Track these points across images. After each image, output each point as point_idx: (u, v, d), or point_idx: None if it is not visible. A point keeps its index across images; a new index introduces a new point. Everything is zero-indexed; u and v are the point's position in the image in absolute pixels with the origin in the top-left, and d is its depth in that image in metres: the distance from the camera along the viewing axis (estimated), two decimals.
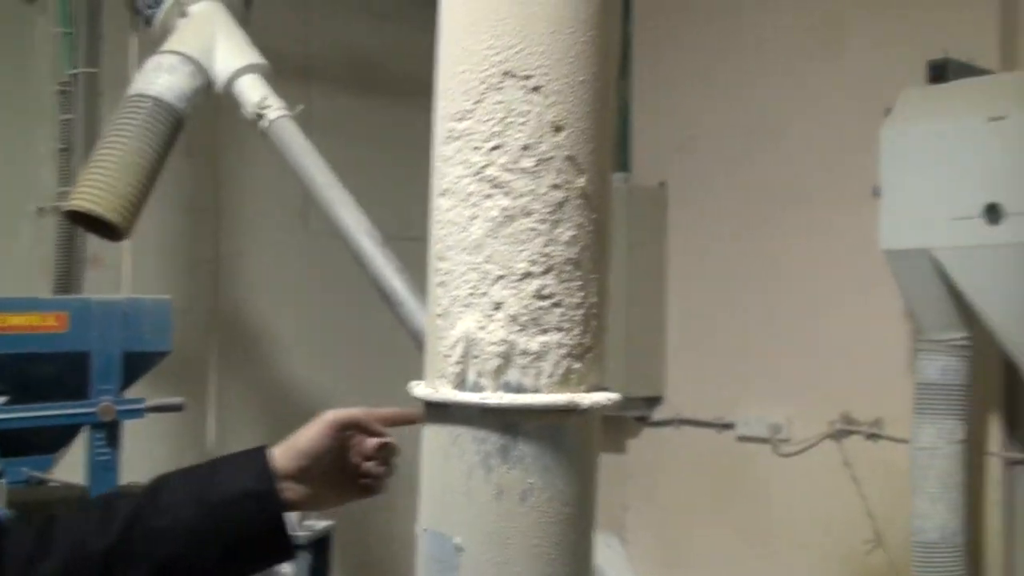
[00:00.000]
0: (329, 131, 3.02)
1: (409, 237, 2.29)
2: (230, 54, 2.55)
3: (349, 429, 1.25)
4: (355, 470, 1.26)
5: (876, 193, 3.04)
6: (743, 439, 3.88)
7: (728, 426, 3.91)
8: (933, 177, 2.94)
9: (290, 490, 1.20)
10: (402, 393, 1.11)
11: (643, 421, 4.02)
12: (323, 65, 3.80)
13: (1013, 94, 2.90)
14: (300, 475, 1.21)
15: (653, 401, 4.02)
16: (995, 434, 3.38)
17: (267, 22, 2.88)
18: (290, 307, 3.70)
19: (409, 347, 1.93)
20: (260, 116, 2.49)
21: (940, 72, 3.10)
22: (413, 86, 2.27)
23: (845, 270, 3.64)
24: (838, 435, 3.64)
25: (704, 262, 3.98)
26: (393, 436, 1.27)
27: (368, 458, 1.26)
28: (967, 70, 3.12)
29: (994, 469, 3.36)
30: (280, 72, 2.63)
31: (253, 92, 2.51)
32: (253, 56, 2.57)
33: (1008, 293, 2.85)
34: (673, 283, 4.03)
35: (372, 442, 1.26)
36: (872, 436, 3.59)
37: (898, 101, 3.06)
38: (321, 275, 3.70)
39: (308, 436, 1.22)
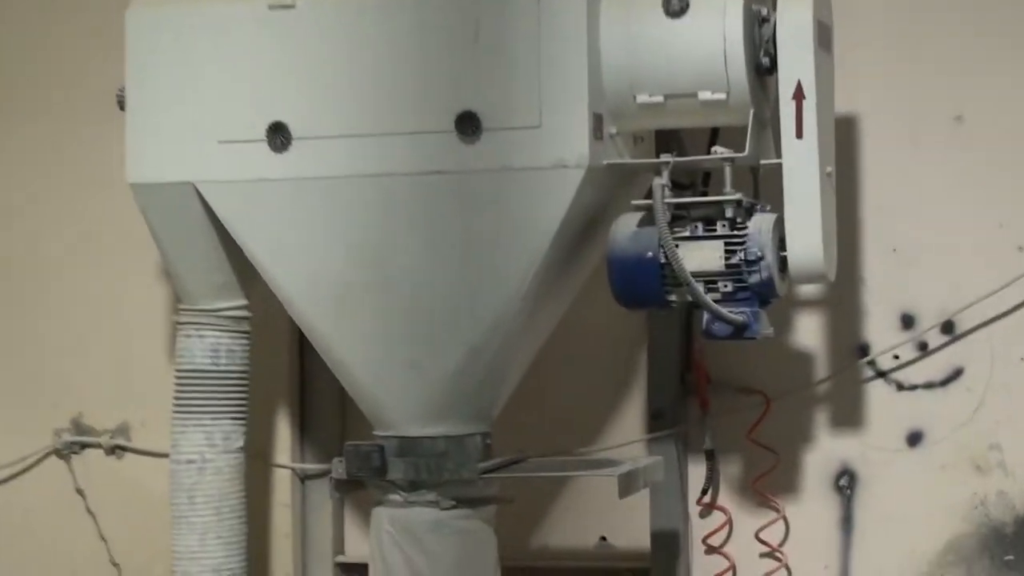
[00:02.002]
0: None
1: None
2: None
3: None
4: None
5: (121, 104, 3.24)
6: None
7: None
8: (197, 85, 3.18)
9: None
10: None
11: None
12: None
13: None
14: None
15: None
16: (284, 439, 3.81)
17: None
18: None
19: None
20: None
21: None
22: None
23: (77, 213, 3.89)
24: (67, 450, 3.87)
25: None
26: None
27: None
28: None
29: (284, 487, 3.80)
30: None
31: None
32: None
33: (297, 245, 3.17)
34: None
35: None
36: (116, 450, 3.86)
37: None
38: None
39: None
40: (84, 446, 3.82)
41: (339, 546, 3.96)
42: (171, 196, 3.22)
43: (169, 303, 3.62)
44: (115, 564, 3.77)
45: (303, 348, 3.68)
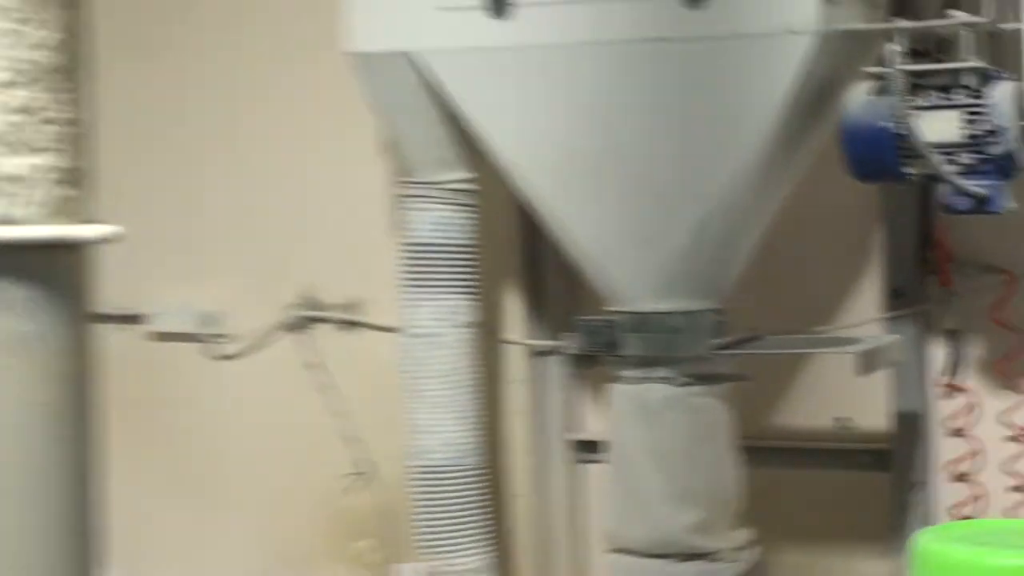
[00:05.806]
0: None
1: None
2: None
3: None
4: None
5: None
6: (161, 336, 5.30)
7: (137, 318, 5.30)
8: None
9: None
10: None
11: None
12: None
13: None
14: None
15: None
16: (514, 314, 4.88)
17: None
18: None
19: None
20: None
21: None
22: None
23: (298, 85, 5.07)
24: (298, 325, 5.16)
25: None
26: None
27: None
28: None
29: (516, 362, 4.87)
30: None
31: None
32: None
33: (516, 113, 4.20)
34: None
35: None
36: (347, 324, 5.07)
37: None
38: None
39: None
40: (315, 321, 5.08)
41: (571, 422, 5.06)
42: (390, 65, 4.24)
43: (394, 178, 4.78)
44: (350, 437, 4.93)
45: (533, 224, 4.65)
